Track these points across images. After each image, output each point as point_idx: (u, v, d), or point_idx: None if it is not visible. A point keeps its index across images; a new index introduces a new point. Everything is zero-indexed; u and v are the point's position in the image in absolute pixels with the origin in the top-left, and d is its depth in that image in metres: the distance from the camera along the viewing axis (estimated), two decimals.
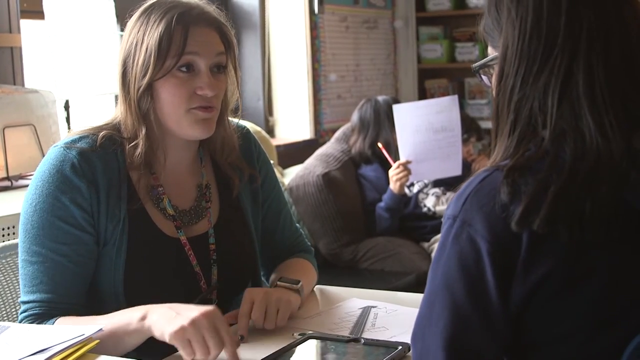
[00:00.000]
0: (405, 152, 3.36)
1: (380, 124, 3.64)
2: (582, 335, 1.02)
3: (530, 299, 1.02)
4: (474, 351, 1.03)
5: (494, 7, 1.13)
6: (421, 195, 3.66)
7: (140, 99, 1.54)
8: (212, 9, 1.60)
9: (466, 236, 1.03)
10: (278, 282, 1.63)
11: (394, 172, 3.39)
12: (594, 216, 0.99)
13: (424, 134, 3.35)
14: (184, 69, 1.53)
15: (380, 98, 3.75)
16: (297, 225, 1.86)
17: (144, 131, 1.55)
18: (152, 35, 1.52)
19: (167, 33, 1.51)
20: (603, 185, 1.00)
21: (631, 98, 1.05)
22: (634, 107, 1.04)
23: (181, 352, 1.33)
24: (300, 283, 1.62)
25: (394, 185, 3.40)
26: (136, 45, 1.53)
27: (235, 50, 1.62)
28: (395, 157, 3.43)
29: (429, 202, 3.62)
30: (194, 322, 1.32)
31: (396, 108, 3.36)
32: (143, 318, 1.39)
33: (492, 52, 1.16)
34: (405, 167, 3.36)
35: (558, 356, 1.03)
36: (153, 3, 1.57)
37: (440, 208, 3.61)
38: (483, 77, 1.20)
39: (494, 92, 1.15)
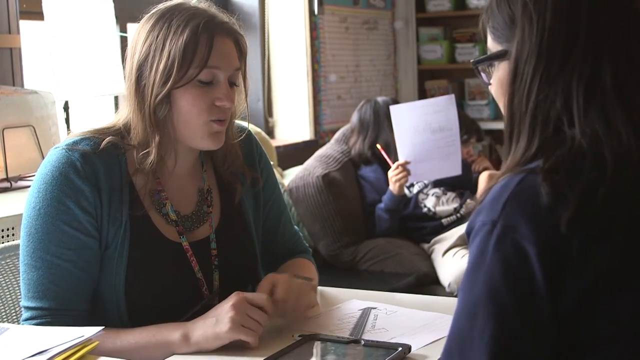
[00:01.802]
0: (403, 152, 3.36)
1: (379, 125, 3.64)
2: (634, 336, 1.00)
3: (583, 301, 0.99)
4: (524, 358, 0.99)
5: (505, 2, 1.11)
6: (421, 196, 3.65)
7: (158, 106, 1.51)
8: (230, 18, 1.59)
9: (511, 242, 0.99)
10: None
11: (393, 173, 3.38)
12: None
13: (422, 134, 3.35)
14: (204, 80, 1.51)
15: (380, 99, 3.74)
16: (296, 227, 1.86)
17: (157, 139, 1.52)
18: (176, 42, 1.49)
19: (193, 41, 1.49)
20: None
21: None
22: None
23: (245, 338, 1.41)
24: (316, 280, 1.63)
25: (393, 186, 3.40)
26: (155, 50, 1.50)
27: (246, 61, 1.61)
28: (395, 158, 3.42)
29: (429, 203, 3.62)
30: (235, 310, 1.41)
31: (393, 109, 3.36)
32: (186, 339, 1.43)
33: (494, 48, 1.14)
34: (404, 167, 3.35)
35: (609, 358, 1.01)
36: (172, 8, 1.54)
37: (440, 208, 3.61)
38: (482, 73, 1.18)
39: (498, 92, 1.13)
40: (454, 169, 3.42)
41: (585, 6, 1.05)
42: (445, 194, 3.66)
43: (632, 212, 0.99)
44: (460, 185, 3.70)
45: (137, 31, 1.56)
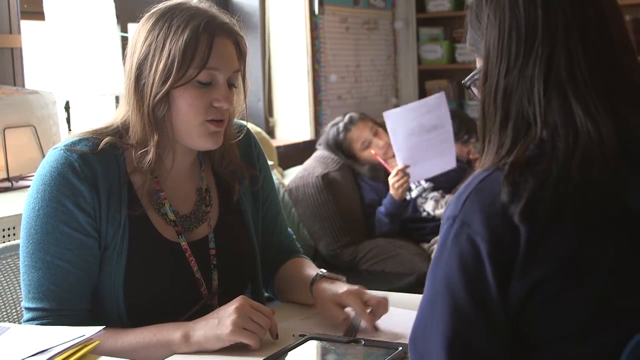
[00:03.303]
0: (402, 157, 3.37)
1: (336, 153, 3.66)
2: (582, 334, 1.02)
3: (530, 298, 1.01)
4: (476, 351, 1.03)
5: (475, 19, 1.17)
6: (420, 200, 3.65)
7: (157, 105, 1.51)
8: (230, 20, 1.59)
9: (466, 237, 1.03)
10: (325, 275, 1.63)
11: (394, 179, 3.39)
12: (591, 199, 0.99)
13: (418, 136, 3.37)
14: (203, 80, 1.52)
15: (334, 127, 3.72)
16: (289, 229, 1.87)
17: (156, 138, 1.52)
18: (176, 42, 1.49)
19: (194, 41, 1.49)
20: (595, 167, 1.00)
21: (615, 84, 1.06)
22: (620, 92, 1.06)
23: (246, 341, 1.41)
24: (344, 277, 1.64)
25: (395, 192, 3.40)
26: (155, 49, 1.50)
27: (245, 62, 1.61)
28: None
29: (428, 207, 3.62)
30: (238, 313, 1.41)
31: (387, 115, 3.37)
32: (186, 339, 1.43)
33: (479, 64, 1.17)
34: (405, 172, 3.36)
35: (559, 355, 1.03)
36: (172, 8, 1.54)
37: (439, 212, 3.61)
38: (474, 90, 1.21)
39: (479, 96, 1.16)
40: (450, 163, 3.47)
41: (539, 1, 1.07)
42: (444, 197, 3.66)
43: (579, 203, 1.00)
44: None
45: (137, 30, 1.56)
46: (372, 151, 3.59)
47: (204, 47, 1.50)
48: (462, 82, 1.24)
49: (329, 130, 3.75)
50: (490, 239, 1.01)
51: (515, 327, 1.03)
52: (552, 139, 1.04)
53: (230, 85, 1.57)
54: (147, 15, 1.56)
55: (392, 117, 3.36)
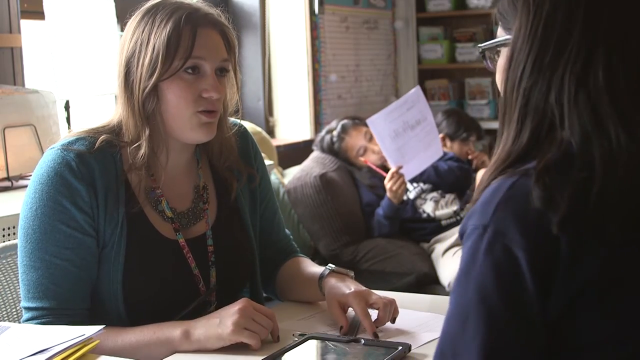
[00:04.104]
0: (393, 159, 3.37)
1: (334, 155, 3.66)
2: (622, 339, 1.00)
3: (572, 305, 0.99)
4: None
5: None
6: (419, 201, 3.64)
7: (146, 99, 1.53)
8: (215, 11, 1.60)
9: (501, 246, 0.99)
10: (333, 270, 1.63)
11: (390, 183, 3.38)
12: (632, 209, 0.98)
13: (404, 135, 3.39)
14: (190, 70, 1.53)
15: (330, 133, 3.72)
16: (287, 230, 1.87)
17: (147, 132, 1.54)
18: (160, 35, 1.51)
19: (176, 33, 1.51)
20: (633, 176, 0.98)
21: None
22: None
23: (247, 341, 1.41)
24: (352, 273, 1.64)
25: (393, 195, 3.39)
26: (141, 45, 1.52)
27: (236, 53, 1.62)
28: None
29: (428, 208, 3.62)
30: (240, 313, 1.41)
31: (371, 122, 3.38)
32: (187, 336, 1.43)
33: (502, 35, 1.14)
34: (399, 173, 3.36)
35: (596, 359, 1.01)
36: (156, 4, 1.56)
37: (439, 213, 3.60)
38: (487, 60, 1.18)
39: (499, 78, 1.13)
40: (437, 153, 3.52)
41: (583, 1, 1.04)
42: (444, 197, 3.66)
43: (623, 213, 0.98)
44: (459, 187, 3.70)
45: (126, 29, 1.58)
46: (363, 159, 3.59)
47: (187, 38, 1.52)
48: (479, 45, 1.19)
49: (323, 136, 3.75)
50: (529, 248, 0.98)
51: (554, 335, 1.00)
52: (584, 147, 1.01)
53: (222, 72, 1.57)
54: (134, 14, 1.58)
55: (376, 123, 3.37)
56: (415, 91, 3.51)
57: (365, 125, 3.60)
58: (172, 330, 1.44)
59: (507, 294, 0.98)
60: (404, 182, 3.37)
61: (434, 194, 3.65)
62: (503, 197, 1.01)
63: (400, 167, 3.37)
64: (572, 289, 0.98)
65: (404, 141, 3.38)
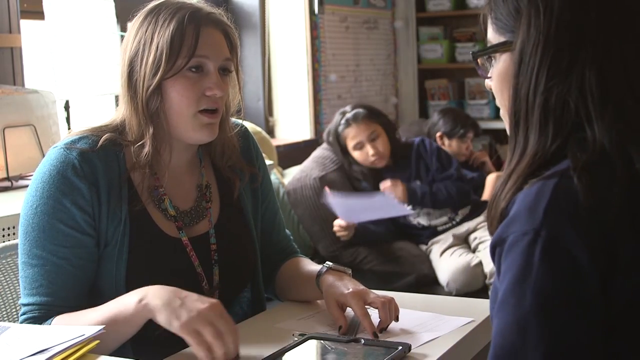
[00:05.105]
0: (343, 214, 3.33)
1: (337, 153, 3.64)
2: None
3: (634, 300, 0.97)
4: None
5: None
6: (412, 216, 3.60)
7: (149, 98, 1.53)
8: (217, 11, 1.61)
9: (559, 249, 0.96)
10: (330, 267, 1.62)
11: (337, 230, 3.40)
12: None
13: (359, 198, 3.32)
14: (193, 69, 1.53)
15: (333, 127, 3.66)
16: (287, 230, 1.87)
17: (151, 131, 1.54)
18: (163, 34, 1.52)
19: (179, 32, 1.52)
20: None
21: None
22: None
23: (192, 344, 1.32)
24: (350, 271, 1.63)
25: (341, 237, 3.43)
26: (145, 44, 1.53)
27: (238, 53, 1.63)
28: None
29: (423, 221, 3.58)
30: (201, 313, 1.33)
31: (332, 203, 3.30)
32: (141, 300, 1.38)
33: (495, 39, 1.12)
34: (348, 226, 3.36)
35: None
36: (159, 4, 1.57)
37: (435, 222, 3.57)
38: (480, 66, 1.16)
39: (501, 84, 1.11)
40: (402, 209, 3.38)
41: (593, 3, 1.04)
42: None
43: None
44: (456, 207, 3.61)
45: (129, 29, 1.59)
46: (357, 153, 3.53)
47: (190, 36, 1.53)
48: (472, 52, 1.17)
49: (336, 116, 3.67)
50: (588, 248, 0.96)
51: (615, 331, 0.98)
52: (617, 147, 1.00)
53: (225, 71, 1.58)
54: (137, 14, 1.59)
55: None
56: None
57: (379, 122, 3.55)
58: (131, 297, 1.40)
59: (569, 297, 0.96)
60: (348, 234, 3.39)
61: (427, 209, 3.60)
62: (550, 200, 0.98)
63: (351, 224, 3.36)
64: (633, 284, 0.97)
65: (357, 202, 3.32)
